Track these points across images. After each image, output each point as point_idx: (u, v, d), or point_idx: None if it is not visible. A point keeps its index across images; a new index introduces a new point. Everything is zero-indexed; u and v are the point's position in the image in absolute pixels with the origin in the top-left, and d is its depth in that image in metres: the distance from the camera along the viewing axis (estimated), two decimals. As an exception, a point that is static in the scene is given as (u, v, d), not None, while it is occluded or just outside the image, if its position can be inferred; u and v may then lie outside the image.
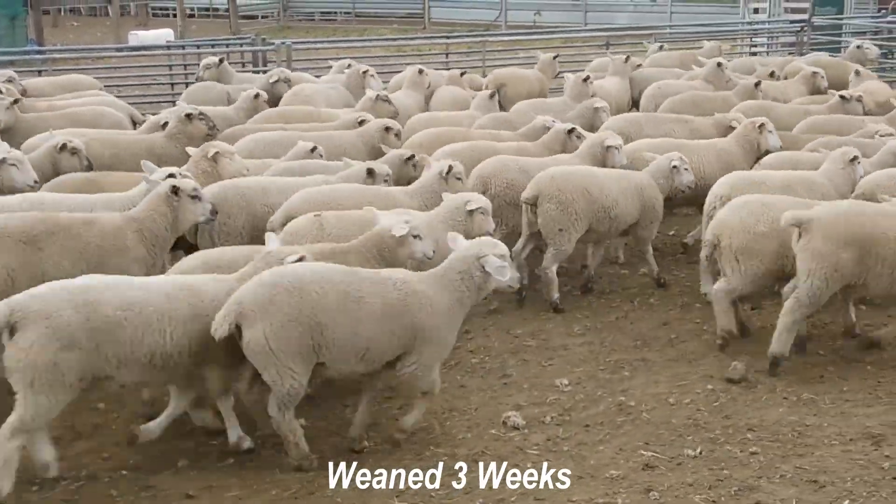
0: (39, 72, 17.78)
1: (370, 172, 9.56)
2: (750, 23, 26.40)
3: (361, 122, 11.66)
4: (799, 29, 22.35)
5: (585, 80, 14.14)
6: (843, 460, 6.69)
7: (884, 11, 24.71)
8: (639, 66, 16.04)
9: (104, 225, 7.87)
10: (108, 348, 6.28)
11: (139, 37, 30.66)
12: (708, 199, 9.53)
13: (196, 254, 7.97)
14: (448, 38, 22.96)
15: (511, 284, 7.03)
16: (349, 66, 15.28)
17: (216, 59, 15.52)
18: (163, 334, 6.43)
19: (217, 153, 9.57)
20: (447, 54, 21.07)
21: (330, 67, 16.15)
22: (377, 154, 10.80)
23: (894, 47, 20.32)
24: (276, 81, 14.34)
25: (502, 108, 14.54)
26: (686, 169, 10.05)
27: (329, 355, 6.53)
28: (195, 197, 8.05)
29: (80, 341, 6.16)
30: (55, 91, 14.15)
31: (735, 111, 12.47)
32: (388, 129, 11.34)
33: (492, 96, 14.04)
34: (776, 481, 6.44)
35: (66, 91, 14.22)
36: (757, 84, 13.96)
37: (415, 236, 7.50)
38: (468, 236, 7.54)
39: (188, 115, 10.96)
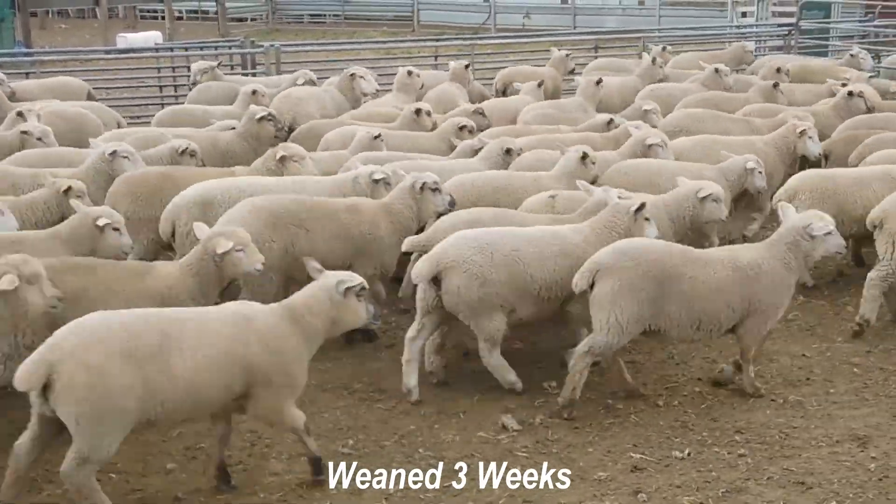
0: (27, 74, 17.73)
1: (508, 152, 10.34)
2: (738, 26, 26.50)
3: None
4: (787, 33, 22.44)
5: (598, 82, 14.21)
6: (830, 462, 6.74)
7: (871, 15, 24.82)
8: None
9: (364, 212, 8.64)
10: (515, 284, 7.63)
11: (127, 39, 30.66)
12: (778, 194, 9.81)
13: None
14: (437, 40, 23.00)
15: (838, 250, 7.89)
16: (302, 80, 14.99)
17: (211, 63, 15.54)
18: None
19: (284, 156, 9.79)
20: (436, 57, 21.06)
21: (319, 70, 16.15)
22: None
23: (881, 51, 20.37)
24: (304, 84, 14.47)
25: None
26: (760, 172, 10.05)
27: (665, 324, 7.33)
28: (436, 190, 8.69)
29: (494, 281, 7.55)
30: (43, 94, 14.11)
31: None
32: (462, 127, 11.72)
33: (539, 85, 14.68)
34: (763, 483, 6.49)
35: (54, 94, 14.19)
36: (775, 85, 14.00)
37: (647, 219, 8.03)
38: (698, 223, 8.51)
39: (260, 118, 11.28)
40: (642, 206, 8.03)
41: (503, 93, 16.11)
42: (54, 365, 5.61)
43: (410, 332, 7.86)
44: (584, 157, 9.74)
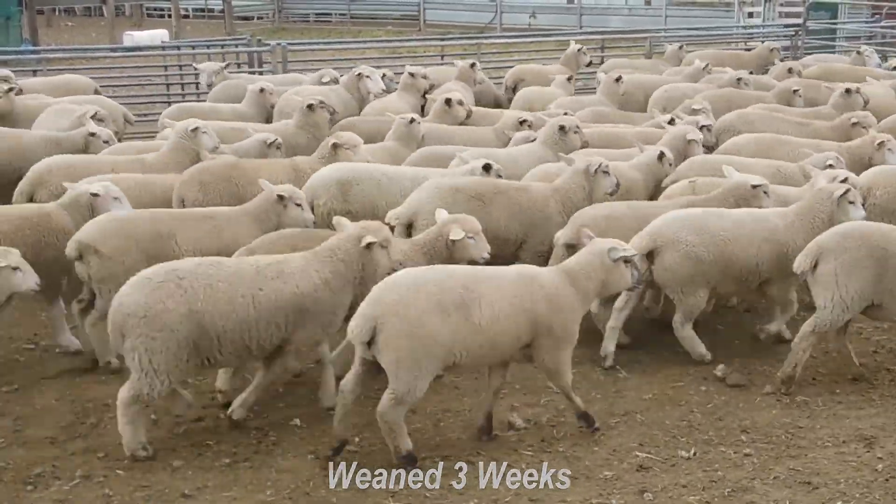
0: (34, 72, 17.76)
1: (562, 129, 10.69)
2: (745, 27, 26.48)
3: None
4: (793, 33, 22.42)
5: (617, 79, 14.43)
6: (836, 462, 6.74)
7: (877, 17, 24.79)
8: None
9: (534, 193, 9.12)
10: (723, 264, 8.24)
11: (134, 37, 30.69)
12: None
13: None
14: (443, 39, 23.02)
15: None
16: (327, 80, 15.08)
17: (220, 64, 15.56)
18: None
19: (336, 144, 9.98)
20: (442, 56, 21.05)
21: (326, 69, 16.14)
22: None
23: (888, 52, 20.34)
24: (328, 82, 14.57)
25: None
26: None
27: (886, 299, 7.72)
28: (606, 173, 9.19)
29: (706, 260, 8.14)
30: (50, 91, 14.14)
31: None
32: (523, 121, 11.89)
33: (569, 79, 15.17)
34: (769, 483, 6.48)
35: (60, 91, 14.22)
36: (795, 91, 13.82)
37: (851, 202, 8.49)
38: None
39: (310, 106, 11.53)
40: (847, 190, 8.45)
41: (513, 90, 16.14)
42: (378, 318, 6.42)
43: (618, 303, 8.45)
44: (662, 156, 10.11)
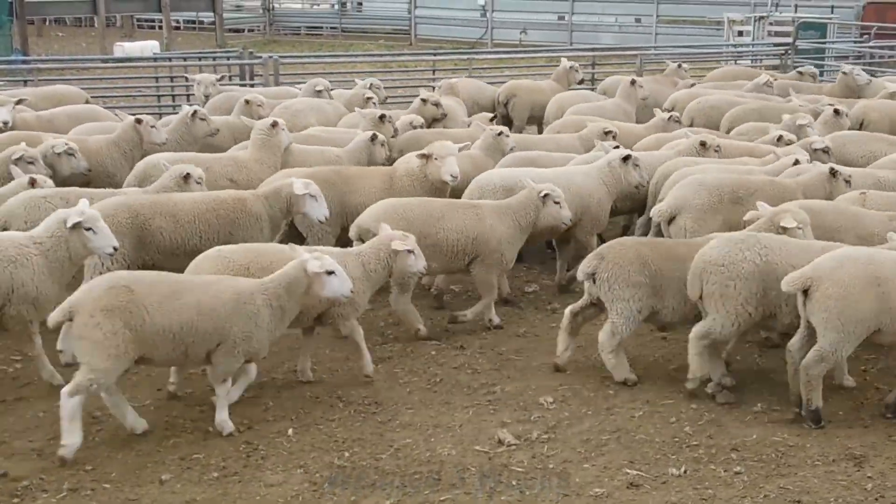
0: (25, 82, 17.71)
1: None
2: (735, 45, 26.58)
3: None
4: (783, 52, 22.52)
5: (632, 83, 15.22)
6: (826, 481, 6.73)
7: (866, 36, 24.94)
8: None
9: (786, 187, 9.81)
10: None
11: (125, 48, 30.69)
12: None
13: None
14: (435, 54, 23.06)
15: None
16: (320, 88, 15.13)
17: (213, 76, 15.56)
18: None
19: (425, 154, 10.32)
20: (434, 70, 21.10)
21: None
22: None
23: (876, 72, 20.45)
24: (321, 91, 14.69)
25: (511, 120, 16.35)
26: None
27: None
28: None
29: None
30: (41, 102, 14.10)
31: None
32: (608, 132, 12.49)
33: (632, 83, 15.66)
34: (760, 501, 6.48)
35: (52, 102, 14.19)
36: (836, 112, 13.49)
37: None
38: None
39: (381, 117, 12.27)
40: None
41: (505, 105, 16.50)
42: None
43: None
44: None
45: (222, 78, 16.00)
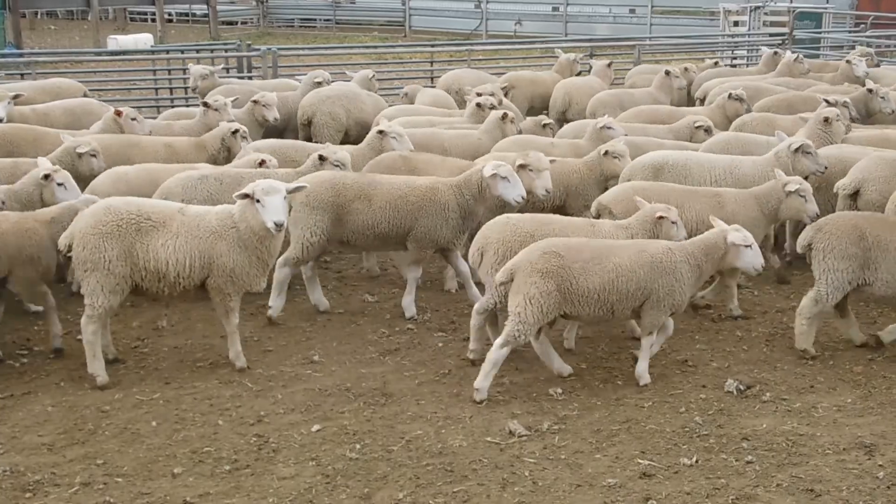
0: (22, 75, 17.63)
1: None
2: (731, 35, 26.58)
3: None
4: (780, 42, 22.52)
5: (667, 73, 15.45)
6: (838, 470, 6.74)
7: (862, 26, 24.95)
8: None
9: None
10: None
11: (118, 41, 30.63)
12: None
13: None
14: (433, 45, 23.03)
15: None
16: (319, 80, 15.13)
17: (210, 67, 15.46)
18: None
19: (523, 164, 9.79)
20: (432, 62, 21.05)
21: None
22: None
23: (879, 61, 20.42)
24: (321, 83, 14.65)
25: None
26: None
27: None
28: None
29: None
30: (39, 95, 14.04)
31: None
32: (699, 126, 12.58)
33: (609, 65, 16.31)
34: (773, 490, 6.49)
35: (50, 95, 14.13)
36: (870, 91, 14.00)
37: None
38: None
39: (504, 116, 12.19)
40: None
41: (504, 96, 16.23)
42: None
43: None
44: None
45: (218, 70, 15.86)
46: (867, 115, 13.62)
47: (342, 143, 14.02)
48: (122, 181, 9.94)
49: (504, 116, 12.08)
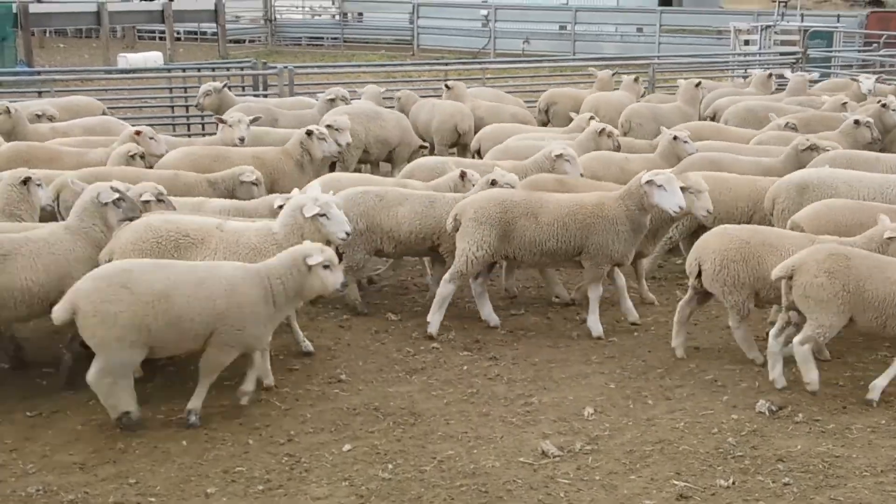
0: (39, 93, 17.63)
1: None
2: (744, 55, 26.58)
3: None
4: (794, 61, 22.53)
5: (697, 85, 15.49)
6: (877, 492, 6.69)
7: (875, 45, 24.97)
8: None
9: None
10: None
11: (128, 59, 30.63)
12: None
13: None
14: (447, 64, 23.10)
15: None
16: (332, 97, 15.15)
17: (217, 84, 15.45)
18: None
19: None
20: (446, 80, 21.02)
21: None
22: None
23: (886, 80, 20.42)
24: (333, 100, 14.68)
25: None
26: None
27: None
28: None
29: None
30: (59, 113, 14.06)
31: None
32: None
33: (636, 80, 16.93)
34: (812, 513, 6.44)
35: (69, 113, 14.17)
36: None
37: None
38: None
39: (605, 131, 12.46)
40: None
41: (546, 113, 17.02)
42: None
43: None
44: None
45: (226, 85, 15.76)
46: (884, 130, 13.57)
47: (361, 161, 14.08)
48: None
49: (602, 131, 12.31)
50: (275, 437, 7.49)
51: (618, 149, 12.54)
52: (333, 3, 46.11)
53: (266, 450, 7.29)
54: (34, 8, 31.86)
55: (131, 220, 8.37)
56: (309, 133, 11.58)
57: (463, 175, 10.48)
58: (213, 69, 20.46)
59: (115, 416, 7.42)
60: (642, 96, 17.55)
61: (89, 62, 33.81)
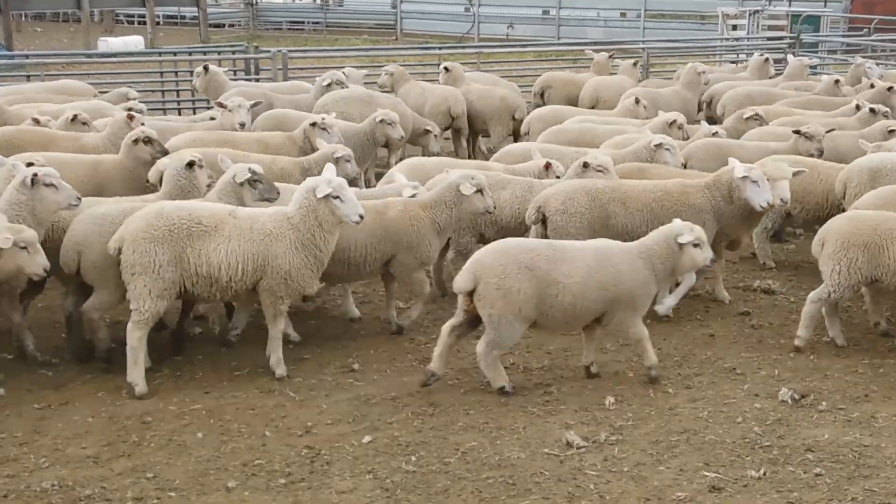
0: (28, 77, 17.30)
1: None
2: (737, 39, 26.48)
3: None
4: (787, 46, 22.45)
5: (700, 73, 15.52)
6: (911, 482, 6.59)
7: (866, 30, 24.94)
8: None
9: None
10: None
11: (109, 43, 30.37)
12: None
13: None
14: (440, 48, 22.92)
15: None
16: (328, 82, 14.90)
17: (200, 67, 15.11)
18: None
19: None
20: (440, 65, 20.80)
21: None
22: None
23: (880, 65, 20.41)
24: (329, 84, 14.40)
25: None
26: None
27: None
28: None
29: None
30: (52, 97, 13.79)
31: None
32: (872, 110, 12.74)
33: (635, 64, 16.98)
34: (848, 504, 6.33)
35: (60, 97, 13.87)
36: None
37: None
38: None
39: (673, 122, 12.33)
40: None
41: (541, 97, 16.82)
42: None
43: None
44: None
45: (207, 69, 15.36)
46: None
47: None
48: None
49: (672, 122, 12.20)
50: (292, 428, 7.32)
51: (685, 139, 12.34)
52: (313, -12, 45.81)
53: (284, 442, 7.11)
54: (13, -9, 31.35)
55: (269, 201, 8.49)
56: (313, 125, 11.36)
57: (548, 166, 10.43)
58: (205, 53, 20.13)
59: (496, 387, 7.85)
60: (640, 81, 17.38)
61: (69, 46, 33.38)
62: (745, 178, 9.24)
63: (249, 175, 8.53)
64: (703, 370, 8.46)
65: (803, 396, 7.87)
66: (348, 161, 10.38)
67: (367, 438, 7.17)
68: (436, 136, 10.84)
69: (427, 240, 8.99)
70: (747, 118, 13.02)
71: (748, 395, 7.93)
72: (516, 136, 15.32)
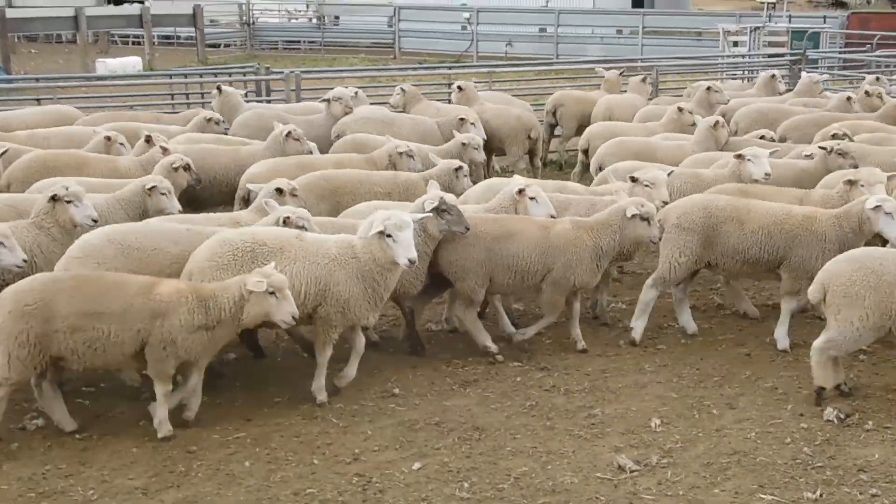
0: (38, 100, 17.21)
1: None
2: (742, 56, 26.54)
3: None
4: (791, 63, 22.51)
5: (708, 89, 15.25)
6: (970, 502, 6.55)
7: (868, 46, 25.05)
8: None
9: None
10: None
11: (107, 64, 30.24)
12: None
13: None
14: (450, 68, 22.99)
15: None
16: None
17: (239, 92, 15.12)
18: None
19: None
20: (449, 84, 20.80)
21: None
22: None
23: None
24: (333, 100, 14.29)
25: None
26: None
27: None
28: None
29: None
30: (39, 122, 13.73)
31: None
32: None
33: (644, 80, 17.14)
34: (909, 526, 6.28)
35: (49, 121, 13.83)
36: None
37: None
38: None
39: (716, 123, 12.42)
40: None
41: (553, 115, 16.88)
42: None
43: None
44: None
45: (220, 89, 15.33)
46: None
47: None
48: None
49: (716, 124, 12.27)
50: (339, 455, 7.25)
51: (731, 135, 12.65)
52: (308, 7, 45.77)
53: (333, 469, 7.04)
54: (11, 13, 31.30)
55: (456, 233, 8.59)
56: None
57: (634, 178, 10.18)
58: (216, 74, 20.08)
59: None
60: (650, 98, 17.39)
61: (64, 67, 33.25)
62: (877, 208, 8.78)
63: (438, 203, 8.50)
64: (745, 390, 8.41)
65: (848, 416, 7.83)
66: (466, 176, 10.68)
67: (416, 465, 7.10)
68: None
69: (585, 262, 8.94)
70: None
71: (793, 416, 7.89)
72: (531, 156, 15.35)
